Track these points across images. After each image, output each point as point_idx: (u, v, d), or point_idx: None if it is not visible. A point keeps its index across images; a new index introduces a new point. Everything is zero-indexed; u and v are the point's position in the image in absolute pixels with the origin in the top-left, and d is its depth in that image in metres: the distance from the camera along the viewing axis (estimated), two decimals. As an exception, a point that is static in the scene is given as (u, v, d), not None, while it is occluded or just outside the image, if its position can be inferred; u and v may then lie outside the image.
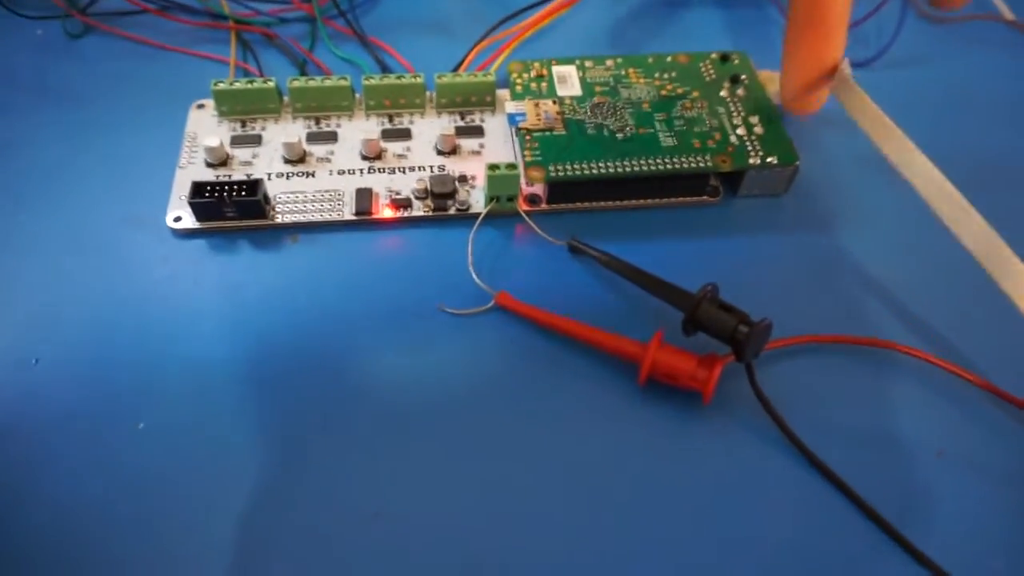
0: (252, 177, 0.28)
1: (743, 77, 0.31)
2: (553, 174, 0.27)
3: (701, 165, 0.28)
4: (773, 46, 0.35)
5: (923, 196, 0.24)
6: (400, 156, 0.30)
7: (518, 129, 0.29)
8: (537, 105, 0.29)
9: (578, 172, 0.27)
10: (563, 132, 0.29)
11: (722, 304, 0.24)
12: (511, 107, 0.29)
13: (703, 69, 0.31)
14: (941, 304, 0.27)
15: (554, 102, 0.30)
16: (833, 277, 0.28)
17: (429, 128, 0.31)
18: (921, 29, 0.37)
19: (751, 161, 0.28)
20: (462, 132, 0.30)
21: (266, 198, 0.28)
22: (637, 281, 0.26)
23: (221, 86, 0.30)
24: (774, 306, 0.24)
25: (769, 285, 0.28)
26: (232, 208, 0.27)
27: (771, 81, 0.32)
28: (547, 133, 0.29)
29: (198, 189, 0.27)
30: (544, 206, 0.28)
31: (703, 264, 0.28)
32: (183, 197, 0.28)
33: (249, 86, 0.30)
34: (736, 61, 0.32)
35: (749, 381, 0.24)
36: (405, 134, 0.30)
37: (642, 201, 0.29)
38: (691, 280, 0.25)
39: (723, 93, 0.30)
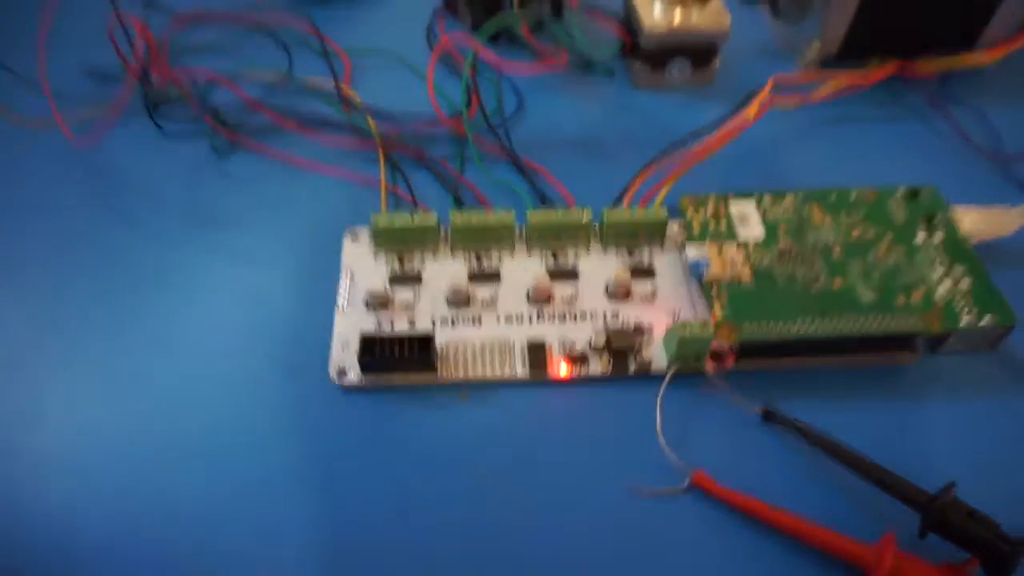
0: (417, 325, 0.27)
1: (938, 218, 0.29)
2: (749, 334, 0.25)
3: (908, 326, 0.25)
4: (953, 169, 0.33)
5: None
6: (569, 301, 0.28)
7: (702, 279, 0.27)
8: (721, 251, 0.27)
9: (774, 333, 0.25)
10: (751, 283, 0.27)
11: (970, 510, 0.21)
12: (692, 253, 0.27)
13: (892, 207, 0.29)
14: None
15: (738, 247, 0.28)
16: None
17: (597, 266, 0.29)
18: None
19: (964, 322, 0.26)
20: (632, 272, 0.28)
21: (435, 351, 0.26)
22: (853, 466, 0.23)
23: (381, 222, 0.28)
24: (989, 487, 0.22)
25: (980, 459, 0.25)
26: (402, 365, 0.25)
27: (964, 217, 0.29)
28: (734, 284, 0.27)
29: (367, 344, 0.25)
30: (731, 363, 0.26)
31: (905, 432, 0.25)
32: (346, 346, 0.26)
33: (411, 222, 0.28)
34: (927, 197, 0.29)
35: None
36: (572, 274, 0.28)
37: (835, 359, 0.27)
38: (893, 449, 0.24)
39: (919, 238, 0.28)
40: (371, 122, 0.34)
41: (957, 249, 0.28)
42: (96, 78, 0.36)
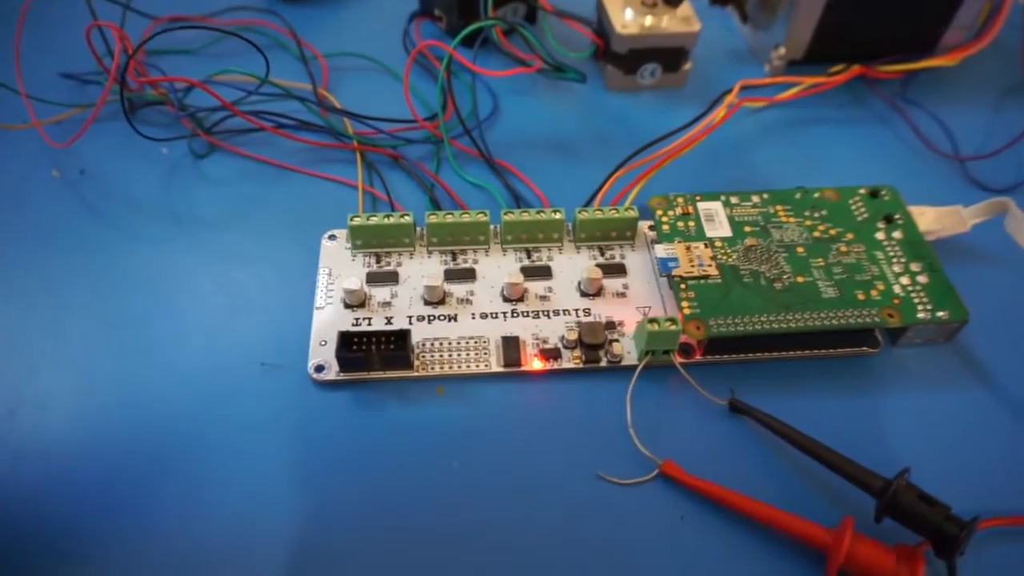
0: (394, 323, 0.27)
1: (897, 216, 0.30)
2: (715, 329, 0.26)
3: (868, 320, 0.26)
4: (912, 170, 0.34)
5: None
6: (543, 298, 0.28)
7: (671, 276, 0.28)
8: (689, 249, 0.28)
9: (739, 328, 0.26)
10: (718, 279, 0.28)
11: (921, 494, 0.22)
12: (661, 251, 0.28)
13: (853, 206, 0.30)
14: None
15: (706, 245, 0.28)
16: (1006, 436, 0.26)
17: (569, 264, 0.29)
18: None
19: (920, 316, 0.27)
20: (604, 270, 0.29)
21: (411, 347, 0.26)
22: (814, 454, 0.24)
23: (358, 221, 0.29)
24: (944, 472, 0.24)
25: (936, 445, 0.26)
26: (379, 360, 0.26)
27: (922, 215, 0.30)
28: (702, 281, 0.27)
29: (345, 340, 0.26)
30: (699, 357, 0.27)
31: (866, 419, 0.26)
32: (324, 343, 0.27)
33: (386, 221, 0.29)
34: (887, 197, 0.30)
35: (950, 579, 0.22)
36: (545, 272, 0.29)
37: (799, 352, 0.28)
38: (855, 437, 0.25)
39: (879, 236, 0.29)
40: (348, 124, 0.34)
41: (915, 247, 0.29)
42: (74, 82, 0.36)
